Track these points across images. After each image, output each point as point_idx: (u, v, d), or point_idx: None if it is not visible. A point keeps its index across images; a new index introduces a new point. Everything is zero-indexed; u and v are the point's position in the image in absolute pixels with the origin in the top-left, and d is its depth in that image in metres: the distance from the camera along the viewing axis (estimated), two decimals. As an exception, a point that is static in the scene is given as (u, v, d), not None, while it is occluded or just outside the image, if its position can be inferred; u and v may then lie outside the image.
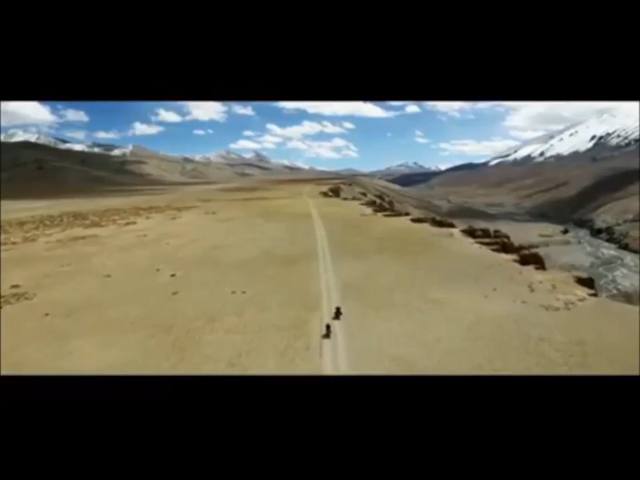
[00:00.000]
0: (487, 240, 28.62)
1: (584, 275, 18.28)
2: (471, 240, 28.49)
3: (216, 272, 20.43)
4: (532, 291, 15.63)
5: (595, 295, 15.56)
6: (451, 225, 35.93)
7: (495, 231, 32.73)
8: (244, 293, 16.65)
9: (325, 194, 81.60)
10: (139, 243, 30.84)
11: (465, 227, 37.00)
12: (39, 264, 23.90)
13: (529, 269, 19.57)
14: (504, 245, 27.10)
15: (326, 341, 11.47)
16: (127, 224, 45.26)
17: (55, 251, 29.34)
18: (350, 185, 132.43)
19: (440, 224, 36.28)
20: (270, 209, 51.92)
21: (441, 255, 22.86)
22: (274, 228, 33.99)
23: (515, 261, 22.03)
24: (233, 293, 16.73)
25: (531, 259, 22.63)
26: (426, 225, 35.68)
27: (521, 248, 25.99)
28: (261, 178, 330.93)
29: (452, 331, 11.81)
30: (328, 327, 12.33)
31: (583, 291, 15.52)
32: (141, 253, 26.52)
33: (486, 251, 24.68)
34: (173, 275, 20.24)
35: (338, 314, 13.42)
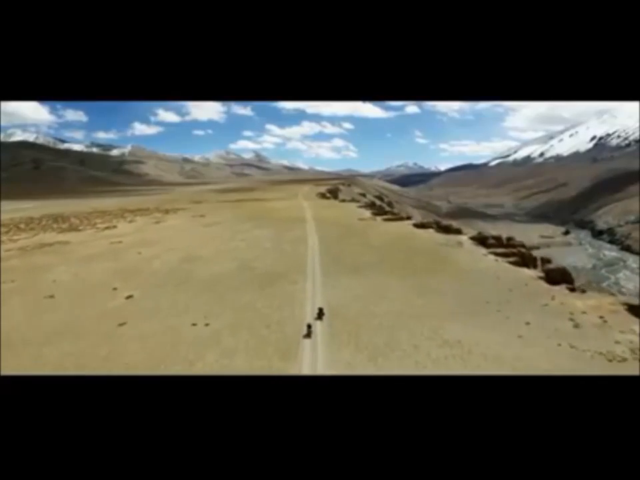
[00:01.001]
0: (501, 250, 25.03)
1: (634, 300, 14.67)
2: (483, 250, 24.94)
3: (181, 293, 16.89)
4: (576, 326, 12.09)
5: (657, 331, 12.01)
6: (458, 231, 32.32)
7: (508, 239, 29.07)
8: (207, 325, 13.12)
9: (322, 195, 77.58)
10: (109, 252, 27.36)
11: (469, 229, 33.54)
12: (-18, 279, 20.33)
13: (562, 291, 16.08)
14: (522, 257, 23.56)
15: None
16: (107, 228, 42.07)
17: (10, 261, 25.84)
18: (349, 185, 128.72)
19: (446, 230, 32.65)
20: (262, 211, 48.38)
21: (451, 271, 19.22)
22: (261, 235, 30.32)
23: (541, 278, 18.54)
24: (194, 325, 13.21)
25: (558, 275, 19.13)
26: (430, 231, 32.04)
27: (543, 261, 22.51)
28: (259, 178, 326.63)
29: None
30: (309, 326, 11.81)
31: (642, 327, 12.02)
32: (104, 266, 23.01)
33: (503, 265, 21.14)
34: (129, 297, 16.71)
35: (320, 314, 13.01)
